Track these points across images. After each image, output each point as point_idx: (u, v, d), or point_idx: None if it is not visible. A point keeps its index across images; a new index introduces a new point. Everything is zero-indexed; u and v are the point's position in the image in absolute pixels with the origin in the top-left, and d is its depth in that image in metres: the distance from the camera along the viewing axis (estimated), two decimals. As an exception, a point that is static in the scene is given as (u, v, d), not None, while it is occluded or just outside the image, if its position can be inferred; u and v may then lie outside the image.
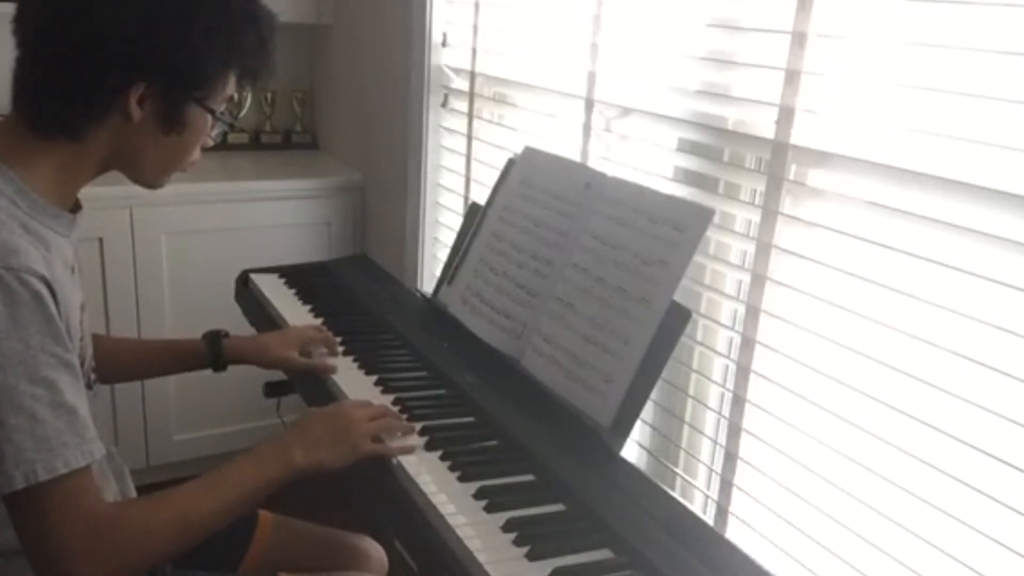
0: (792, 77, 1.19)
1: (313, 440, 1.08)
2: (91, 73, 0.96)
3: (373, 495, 1.17)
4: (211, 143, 1.12)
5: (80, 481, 0.91)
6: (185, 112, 1.02)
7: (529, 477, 1.14)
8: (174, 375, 1.47)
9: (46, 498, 0.89)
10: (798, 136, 1.20)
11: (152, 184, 1.09)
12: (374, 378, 1.39)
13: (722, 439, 1.36)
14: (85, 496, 0.92)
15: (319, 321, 1.60)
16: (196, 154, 1.09)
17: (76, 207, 1.06)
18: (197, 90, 1.02)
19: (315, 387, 1.40)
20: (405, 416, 1.24)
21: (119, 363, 1.35)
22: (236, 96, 1.08)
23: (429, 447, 1.18)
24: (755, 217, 1.29)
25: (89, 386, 1.10)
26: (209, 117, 1.05)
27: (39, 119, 0.98)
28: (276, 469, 1.05)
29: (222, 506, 1.00)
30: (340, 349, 1.49)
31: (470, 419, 1.28)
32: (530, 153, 1.57)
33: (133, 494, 1.24)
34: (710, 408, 1.42)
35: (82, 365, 1.01)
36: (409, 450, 1.15)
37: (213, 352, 1.41)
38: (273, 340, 1.46)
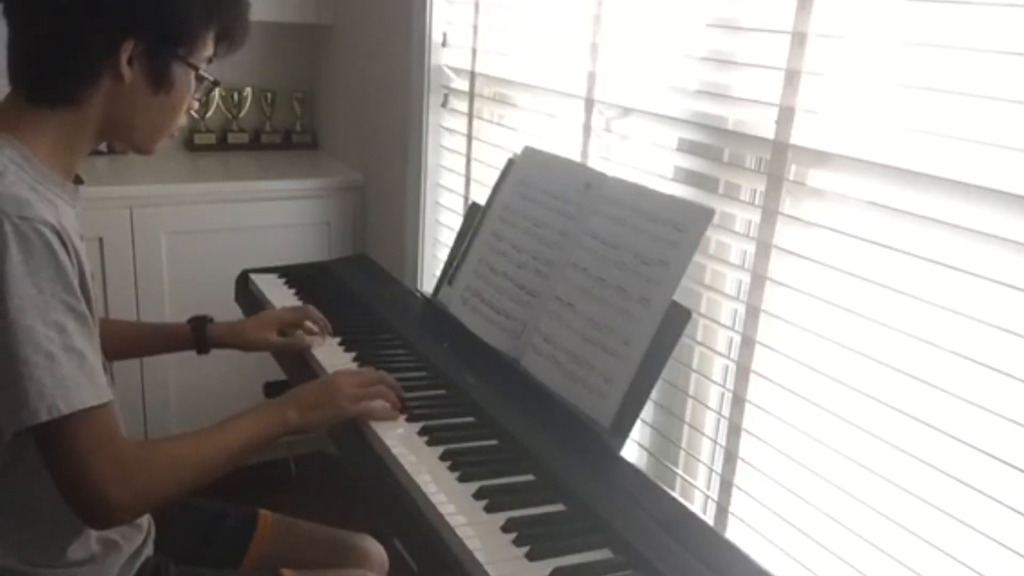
0: (792, 77, 1.19)
1: (305, 403, 1.20)
2: (82, 36, 1.01)
3: (373, 495, 1.17)
4: (196, 105, 1.17)
5: (105, 417, 0.97)
6: (172, 70, 1.06)
7: (529, 477, 1.14)
8: (165, 354, 1.55)
9: (77, 430, 0.95)
10: (798, 136, 1.20)
11: (145, 148, 1.13)
12: (374, 378, 1.39)
13: (722, 439, 1.36)
14: (113, 430, 0.99)
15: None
16: (183, 118, 1.14)
17: (78, 180, 1.11)
18: (181, 47, 1.06)
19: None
20: (404, 416, 1.24)
21: (113, 342, 1.37)
22: (211, 57, 1.13)
23: (429, 447, 1.18)
24: (755, 217, 1.29)
25: (104, 369, 1.12)
26: (193, 76, 1.09)
27: (37, 89, 1.03)
28: (273, 425, 1.16)
29: (228, 452, 1.10)
30: (340, 349, 1.49)
31: (470, 419, 1.28)
32: (530, 153, 1.57)
33: None
34: (710, 408, 1.42)
35: None
36: (392, 416, 1.24)
37: (197, 335, 1.48)
38: (249, 323, 1.53)
